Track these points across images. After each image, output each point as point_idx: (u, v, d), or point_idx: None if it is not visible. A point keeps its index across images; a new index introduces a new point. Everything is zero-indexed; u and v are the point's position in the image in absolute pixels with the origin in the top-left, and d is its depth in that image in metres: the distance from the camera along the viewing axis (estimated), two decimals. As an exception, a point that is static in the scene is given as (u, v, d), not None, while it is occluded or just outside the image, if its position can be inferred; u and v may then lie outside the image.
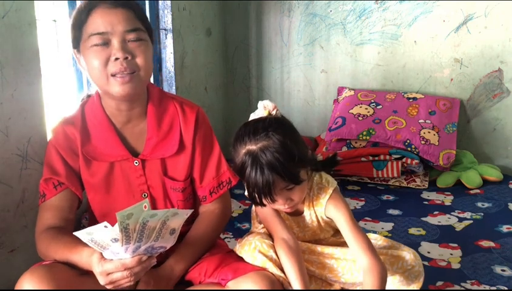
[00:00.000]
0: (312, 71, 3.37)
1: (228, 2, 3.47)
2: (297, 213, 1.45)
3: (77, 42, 1.27)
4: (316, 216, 1.43)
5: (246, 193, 1.35)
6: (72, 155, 1.33)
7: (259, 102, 1.40)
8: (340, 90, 3.25)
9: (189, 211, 1.08)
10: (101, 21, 1.22)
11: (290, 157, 1.26)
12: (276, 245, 1.34)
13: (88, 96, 1.41)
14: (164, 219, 1.02)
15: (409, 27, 3.06)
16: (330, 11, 3.24)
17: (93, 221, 1.39)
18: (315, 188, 1.41)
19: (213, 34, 3.35)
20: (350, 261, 1.40)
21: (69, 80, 2.27)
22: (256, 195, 1.29)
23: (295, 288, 1.28)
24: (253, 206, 1.52)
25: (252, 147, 1.28)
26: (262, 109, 1.39)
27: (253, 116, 1.39)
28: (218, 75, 3.47)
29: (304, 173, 1.33)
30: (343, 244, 1.46)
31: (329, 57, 3.31)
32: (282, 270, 1.30)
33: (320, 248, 1.44)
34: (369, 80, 3.23)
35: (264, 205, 1.35)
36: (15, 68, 1.72)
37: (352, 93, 3.11)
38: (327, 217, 1.41)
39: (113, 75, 1.23)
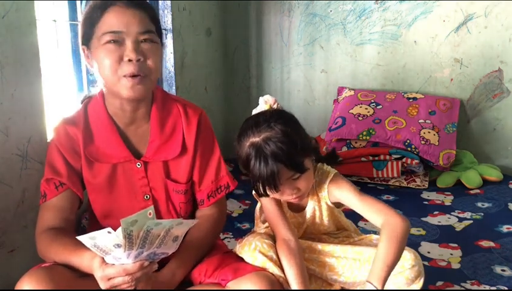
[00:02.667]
0: (312, 71, 3.37)
1: (228, 2, 3.47)
2: (300, 209, 1.46)
3: (87, 39, 1.26)
4: (320, 205, 1.44)
5: (253, 190, 1.36)
6: (74, 155, 1.32)
7: (260, 97, 1.42)
8: (340, 90, 3.25)
9: (194, 221, 1.09)
10: (115, 20, 1.21)
11: (293, 146, 1.28)
12: (277, 245, 1.35)
13: (89, 97, 1.40)
14: (169, 228, 1.02)
15: (409, 27, 3.06)
16: (330, 11, 3.24)
17: (94, 222, 1.39)
18: (317, 175, 1.43)
19: (213, 34, 3.35)
20: (351, 260, 1.40)
21: (69, 80, 2.27)
22: (261, 186, 1.30)
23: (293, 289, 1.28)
24: (258, 206, 1.52)
25: (255, 138, 1.29)
26: (264, 104, 1.41)
27: (255, 112, 1.40)
28: (218, 75, 3.47)
29: (309, 161, 1.35)
30: (345, 244, 1.46)
31: (329, 57, 3.31)
32: (282, 270, 1.30)
33: (320, 246, 1.44)
34: (369, 80, 3.23)
35: (268, 196, 1.36)
36: (15, 68, 1.72)
37: (352, 93, 3.11)
38: (332, 203, 1.43)
39: (125, 76, 1.22)
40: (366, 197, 1.37)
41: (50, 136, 1.86)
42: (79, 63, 2.27)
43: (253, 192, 1.39)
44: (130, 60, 1.21)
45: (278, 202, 1.43)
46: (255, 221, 1.54)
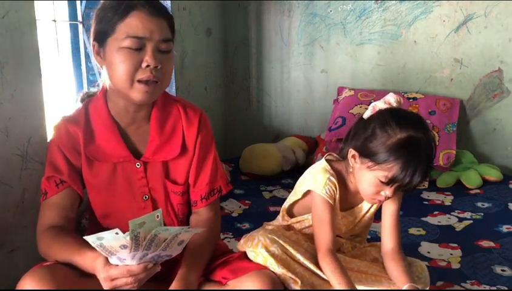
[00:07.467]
0: (312, 71, 3.37)
1: (228, 2, 3.47)
2: (350, 206, 1.46)
3: (103, 37, 1.23)
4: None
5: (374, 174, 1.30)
6: (74, 154, 1.32)
7: (391, 93, 1.37)
8: (340, 90, 3.25)
9: (201, 230, 1.09)
10: (141, 25, 1.20)
11: (433, 155, 1.29)
12: (322, 255, 1.33)
13: (89, 96, 1.39)
14: (176, 234, 1.03)
15: (409, 27, 3.06)
16: (330, 11, 3.24)
17: (94, 221, 1.39)
18: None
19: (213, 34, 3.35)
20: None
21: (69, 80, 2.27)
22: (396, 179, 1.27)
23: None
24: (289, 199, 1.50)
25: (418, 134, 1.26)
26: (395, 103, 1.36)
27: (381, 105, 1.35)
28: (218, 75, 3.47)
29: None
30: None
31: (329, 57, 3.31)
32: (284, 266, 1.29)
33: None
34: (369, 80, 3.23)
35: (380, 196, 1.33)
36: (15, 68, 1.73)
37: (352, 93, 3.11)
38: None
39: (139, 81, 1.21)
40: (398, 223, 1.42)
41: (50, 135, 1.87)
42: (79, 63, 2.27)
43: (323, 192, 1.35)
44: (148, 66, 1.20)
45: (332, 208, 1.38)
46: (281, 212, 1.51)
